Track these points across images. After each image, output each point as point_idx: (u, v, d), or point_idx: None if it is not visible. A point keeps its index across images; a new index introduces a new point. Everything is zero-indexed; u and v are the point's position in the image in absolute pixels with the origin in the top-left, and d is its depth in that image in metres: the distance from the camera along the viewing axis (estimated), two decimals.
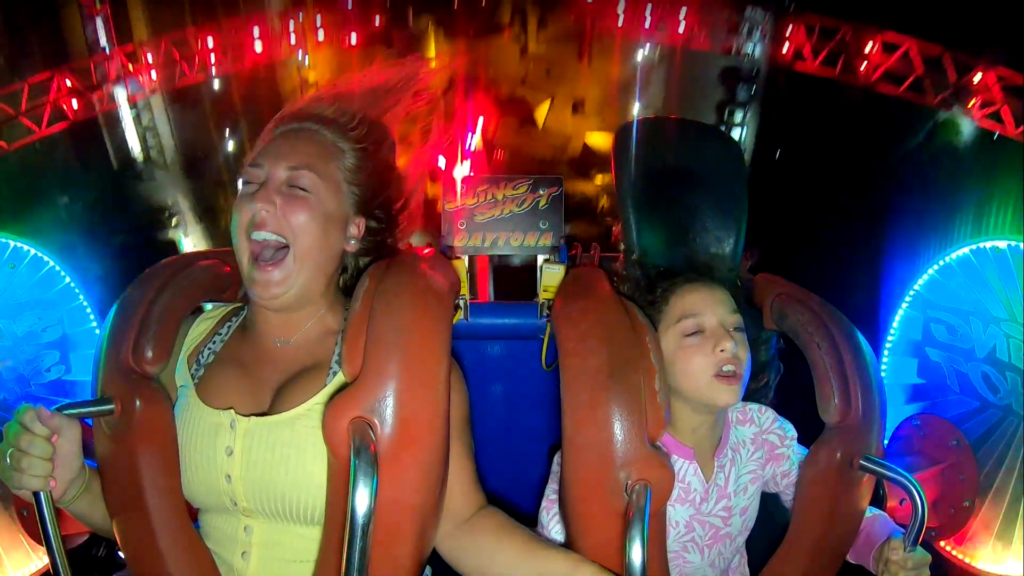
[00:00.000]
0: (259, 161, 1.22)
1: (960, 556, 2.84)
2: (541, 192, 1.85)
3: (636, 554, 1.06)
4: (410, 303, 1.11)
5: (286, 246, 1.19)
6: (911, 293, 3.19)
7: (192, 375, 1.24)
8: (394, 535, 1.06)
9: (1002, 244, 2.99)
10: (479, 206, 1.85)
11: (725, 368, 1.29)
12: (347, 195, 1.25)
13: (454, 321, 1.39)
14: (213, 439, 1.16)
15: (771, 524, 1.51)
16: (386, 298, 1.11)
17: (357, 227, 1.27)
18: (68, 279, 3.41)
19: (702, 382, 1.30)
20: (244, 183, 1.23)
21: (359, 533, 0.97)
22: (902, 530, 1.28)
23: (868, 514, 1.39)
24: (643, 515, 1.07)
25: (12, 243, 3.32)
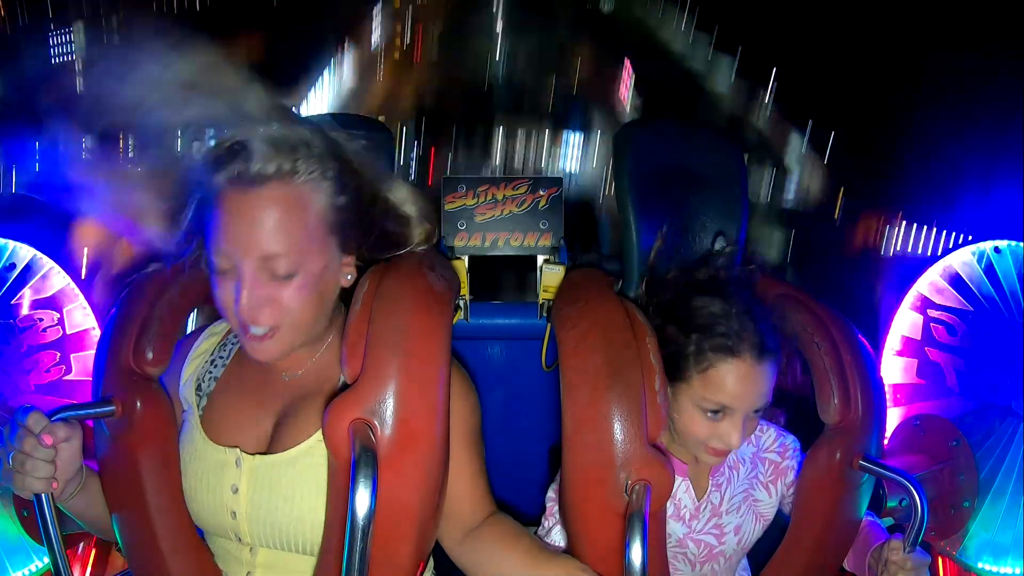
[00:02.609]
0: (225, 249, 1.05)
1: (960, 556, 2.83)
2: (541, 192, 1.85)
3: (636, 554, 1.06)
4: (410, 304, 1.11)
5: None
6: (912, 293, 3.18)
7: (196, 403, 1.23)
8: (394, 536, 1.06)
9: (1002, 244, 2.98)
10: (479, 206, 1.85)
11: (721, 448, 1.24)
12: (335, 244, 1.12)
13: (454, 321, 1.39)
14: (219, 476, 1.16)
15: (771, 524, 1.51)
16: (386, 299, 1.11)
17: (351, 264, 1.18)
18: (68, 279, 3.41)
19: (692, 444, 1.27)
20: (216, 269, 1.08)
21: (359, 534, 0.97)
22: (900, 535, 1.28)
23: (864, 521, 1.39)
24: (643, 515, 1.08)
25: (12, 244, 3.32)
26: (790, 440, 1.45)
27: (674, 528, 1.35)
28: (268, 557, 1.18)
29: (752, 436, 1.43)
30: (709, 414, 1.22)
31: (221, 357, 1.26)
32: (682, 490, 1.36)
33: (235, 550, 1.20)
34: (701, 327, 1.21)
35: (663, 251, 1.47)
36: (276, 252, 1.04)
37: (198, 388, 1.24)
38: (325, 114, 1.52)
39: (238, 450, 1.16)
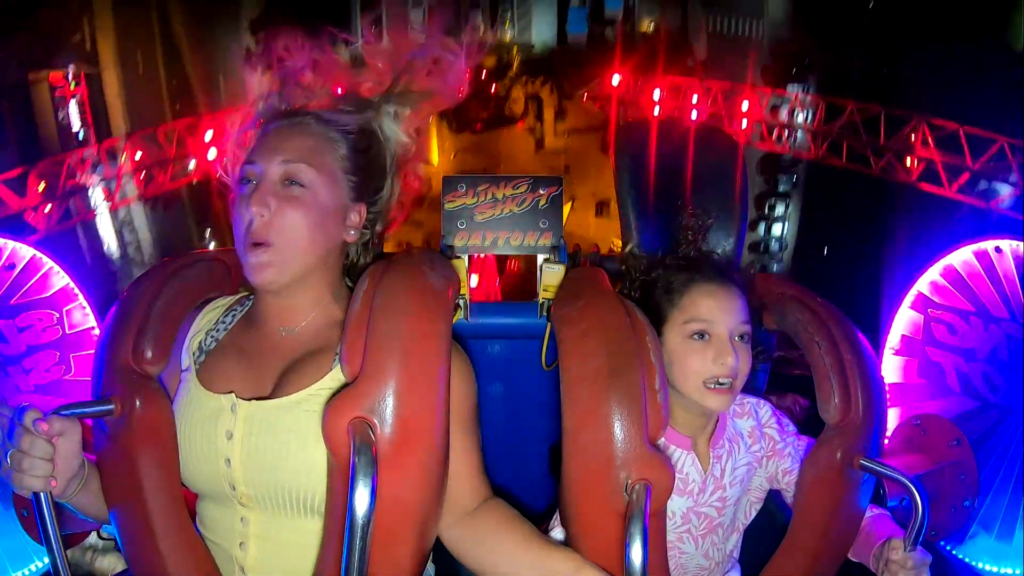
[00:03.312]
0: (253, 159, 1.21)
1: (960, 556, 2.83)
2: (541, 192, 1.85)
3: (636, 554, 1.06)
4: (410, 303, 1.11)
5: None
6: (912, 293, 3.19)
7: (194, 360, 1.25)
8: (394, 535, 1.06)
9: (1002, 244, 2.99)
10: (479, 205, 1.85)
11: (721, 380, 1.30)
12: (344, 184, 1.24)
13: (454, 321, 1.39)
14: (214, 423, 1.16)
15: (771, 524, 1.51)
16: (386, 298, 1.11)
17: (358, 215, 1.26)
18: (68, 279, 3.41)
19: (694, 385, 1.32)
20: (241, 181, 1.22)
21: (359, 533, 0.97)
22: (903, 531, 1.28)
23: (870, 513, 1.39)
24: (643, 515, 1.07)
25: (12, 243, 3.32)
26: (785, 420, 1.47)
27: (679, 504, 1.36)
28: (261, 525, 1.16)
29: (751, 409, 1.46)
30: (696, 338, 1.31)
31: (224, 322, 1.29)
32: (688, 464, 1.37)
33: (228, 520, 1.18)
34: (664, 272, 1.40)
35: (662, 250, 1.47)
36: (294, 159, 1.19)
37: (199, 348, 1.26)
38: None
39: (233, 395, 1.16)
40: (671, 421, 1.36)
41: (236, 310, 1.32)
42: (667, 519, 1.33)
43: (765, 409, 1.47)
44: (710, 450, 1.40)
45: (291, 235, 1.17)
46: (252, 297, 1.32)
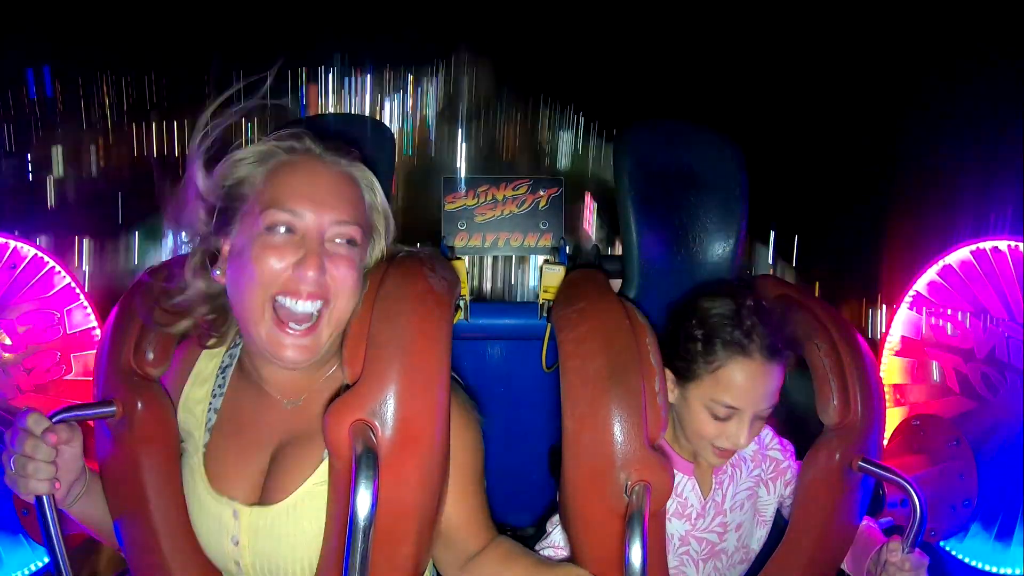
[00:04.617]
0: (296, 208, 1.04)
1: (960, 556, 2.83)
2: (541, 193, 1.85)
3: (636, 555, 1.06)
4: (410, 305, 1.11)
5: (320, 314, 1.07)
6: (911, 293, 3.18)
7: (201, 441, 1.19)
8: (395, 537, 1.06)
9: (1001, 245, 2.98)
10: (479, 207, 1.85)
11: (728, 448, 1.28)
12: (375, 233, 1.17)
13: (454, 321, 1.39)
14: (219, 526, 1.15)
15: (771, 524, 1.51)
16: (387, 301, 1.11)
17: (380, 254, 1.19)
18: (68, 279, 3.40)
19: (699, 444, 1.31)
20: (269, 230, 1.04)
21: (360, 535, 0.97)
22: (899, 536, 1.28)
23: (864, 524, 1.40)
24: (643, 516, 1.08)
25: (12, 243, 3.31)
26: (786, 443, 1.47)
27: (677, 527, 1.36)
28: None
29: None
30: (718, 415, 1.24)
31: (219, 386, 1.21)
32: (688, 489, 1.37)
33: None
34: (711, 327, 1.24)
35: (662, 251, 1.47)
36: (350, 218, 1.07)
37: (205, 428, 1.19)
38: (327, 114, 1.53)
39: (235, 503, 1.13)
40: (676, 445, 1.36)
41: (227, 365, 1.21)
42: (667, 542, 1.34)
43: (767, 432, 1.45)
44: (712, 476, 1.39)
45: (342, 297, 1.06)
46: (239, 344, 1.22)
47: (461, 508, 1.17)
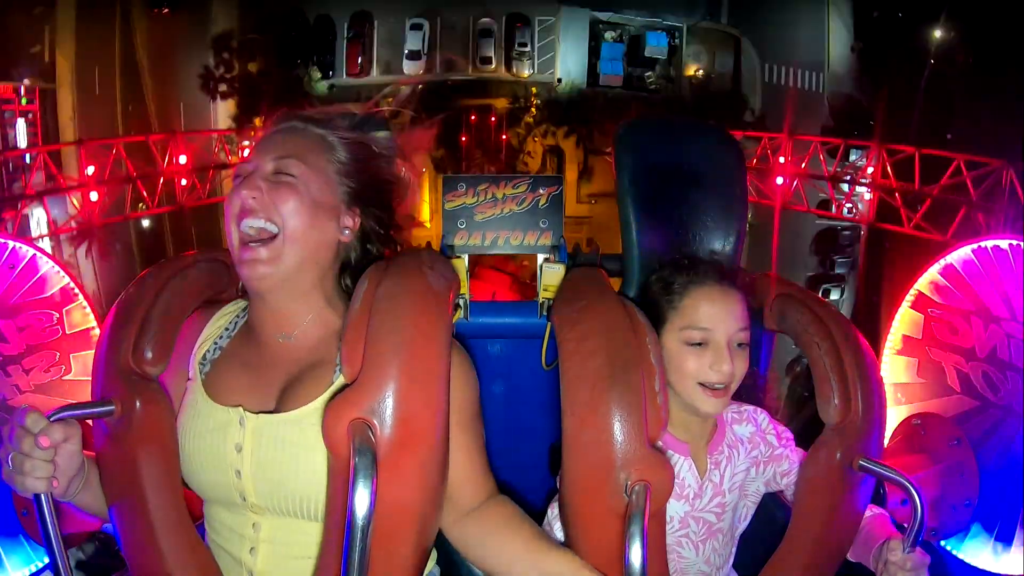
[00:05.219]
0: (248, 158, 1.25)
1: (960, 556, 2.83)
2: (541, 191, 1.85)
3: (636, 554, 1.06)
4: (409, 304, 1.11)
5: (275, 234, 1.20)
6: (912, 292, 3.18)
7: (200, 371, 1.25)
8: (394, 535, 1.06)
9: (1002, 243, 2.98)
10: (479, 205, 1.85)
11: (716, 384, 1.31)
12: (338, 186, 1.26)
13: (454, 320, 1.39)
14: (223, 435, 1.17)
15: (771, 524, 1.51)
16: (385, 299, 1.11)
17: (352, 218, 1.27)
18: (68, 279, 3.41)
19: (689, 386, 1.33)
20: (235, 179, 1.25)
21: (359, 534, 0.97)
22: (901, 532, 1.28)
23: (869, 512, 1.39)
24: (643, 515, 1.07)
25: (12, 244, 3.32)
26: (783, 428, 1.47)
27: (676, 508, 1.36)
28: (272, 530, 1.17)
29: (749, 415, 1.46)
30: (695, 346, 1.32)
31: (227, 330, 1.31)
32: (685, 469, 1.38)
33: (239, 525, 1.19)
34: (664, 279, 1.40)
35: (662, 250, 1.48)
36: (285, 155, 1.23)
37: (203, 358, 1.27)
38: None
39: (241, 409, 1.18)
40: (670, 426, 1.37)
41: (239, 318, 1.32)
42: (666, 524, 1.34)
43: (763, 416, 1.47)
44: (708, 456, 1.40)
45: (289, 218, 1.19)
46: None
47: (457, 459, 1.17)
